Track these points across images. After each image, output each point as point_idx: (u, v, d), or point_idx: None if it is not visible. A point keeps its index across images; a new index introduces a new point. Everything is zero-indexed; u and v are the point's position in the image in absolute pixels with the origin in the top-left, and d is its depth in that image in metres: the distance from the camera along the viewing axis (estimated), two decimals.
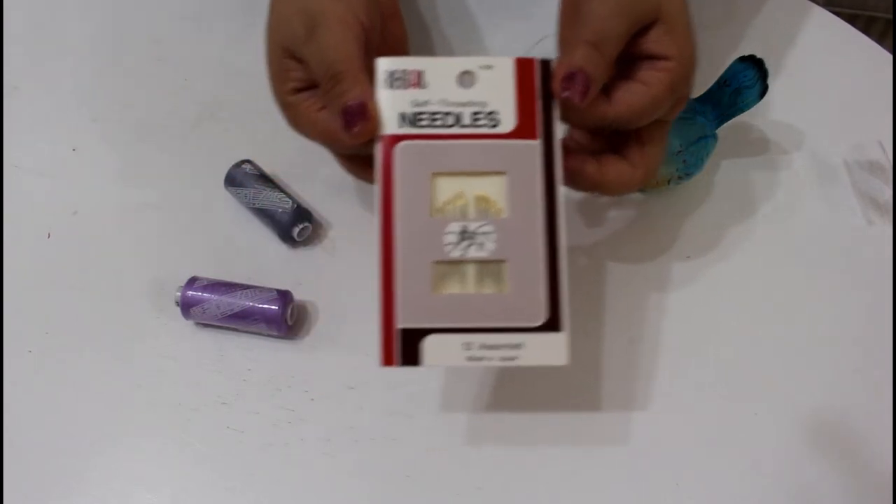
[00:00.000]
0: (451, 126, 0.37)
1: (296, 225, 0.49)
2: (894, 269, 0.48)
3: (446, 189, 0.37)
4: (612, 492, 0.42)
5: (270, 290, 0.46)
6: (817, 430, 0.44)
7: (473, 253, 0.37)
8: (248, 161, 0.52)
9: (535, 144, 0.37)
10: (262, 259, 0.50)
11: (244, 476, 0.43)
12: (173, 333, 0.47)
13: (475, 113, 0.37)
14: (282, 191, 0.50)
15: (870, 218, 0.50)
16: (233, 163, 0.51)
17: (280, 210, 0.49)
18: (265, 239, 0.51)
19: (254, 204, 0.50)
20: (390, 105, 0.37)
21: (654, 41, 0.39)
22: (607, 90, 0.39)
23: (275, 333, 0.46)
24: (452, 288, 0.37)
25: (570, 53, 0.37)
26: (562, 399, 0.45)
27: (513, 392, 0.45)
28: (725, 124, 0.51)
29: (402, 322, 0.36)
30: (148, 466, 0.43)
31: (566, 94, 0.37)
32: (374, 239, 0.37)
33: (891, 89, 0.55)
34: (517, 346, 0.36)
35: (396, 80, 0.38)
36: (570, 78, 0.37)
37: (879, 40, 0.59)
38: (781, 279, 0.48)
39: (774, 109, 0.55)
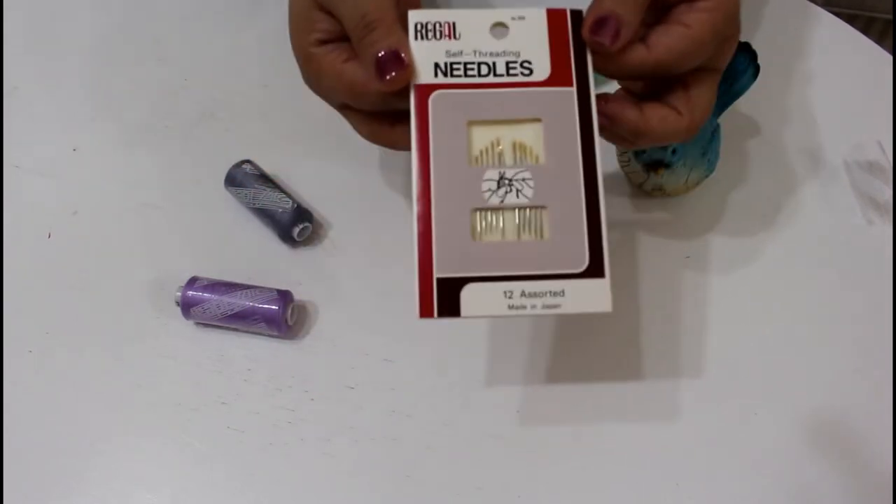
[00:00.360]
0: (485, 75, 0.37)
1: (296, 225, 0.49)
2: (894, 269, 0.48)
3: (482, 137, 0.37)
4: (612, 492, 0.42)
5: (270, 290, 0.46)
6: (817, 430, 0.44)
7: (512, 200, 0.36)
8: (248, 161, 0.52)
9: (571, 91, 0.37)
10: (262, 259, 0.50)
11: (244, 476, 0.43)
12: (173, 333, 0.47)
13: (509, 62, 0.37)
14: (282, 191, 0.50)
15: (869, 218, 0.50)
16: (233, 163, 0.51)
17: (280, 210, 0.49)
18: (265, 239, 0.51)
19: (254, 204, 0.50)
20: (424, 55, 0.37)
21: None
22: (644, 38, 0.37)
23: (275, 333, 0.46)
24: (492, 237, 0.36)
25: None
26: (560, 401, 0.45)
27: (512, 393, 0.45)
28: (724, 123, 0.51)
29: (439, 271, 0.35)
30: (148, 466, 0.43)
31: (596, 38, 0.36)
32: (412, 189, 0.36)
33: (890, 89, 0.55)
34: (559, 294, 0.36)
35: (429, 31, 0.37)
36: (599, 22, 0.36)
37: (879, 40, 0.59)
38: (781, 279, 0.48)
39: (774, 109, 0.55)
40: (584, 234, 0.36)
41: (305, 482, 0.43)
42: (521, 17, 0.37)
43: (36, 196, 0.53)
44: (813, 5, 0.60)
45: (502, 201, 0.36)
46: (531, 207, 0.36)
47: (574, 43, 0.37)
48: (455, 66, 0.37)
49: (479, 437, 0.44)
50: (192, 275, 0.47)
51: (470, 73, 0.37)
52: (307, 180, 0.53)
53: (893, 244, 0.49)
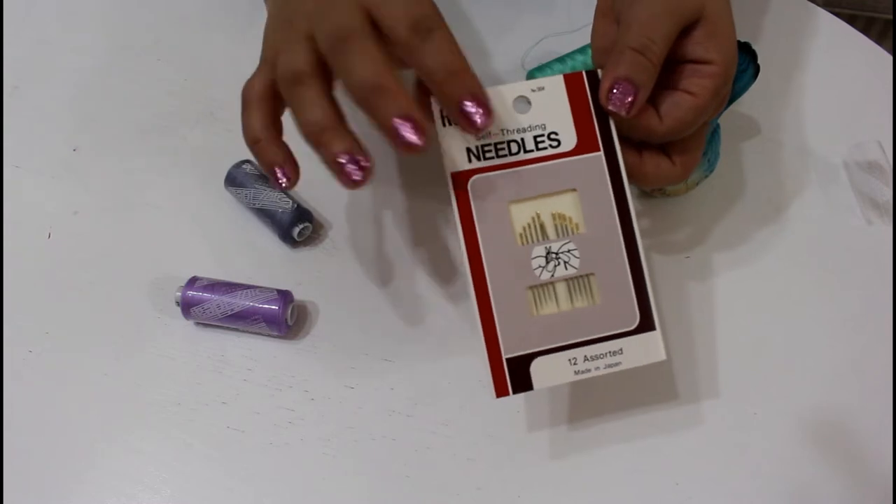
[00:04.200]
0: (516, 153, 0.38)
1: (296, 225, 0.49)
2: (894, 269, 0.48)
3: (523, 213, 0.38)
4: (612, 492, 0.42)
5: (270, 290, 0.46)
6: (817, 430, 0.44)
7: (561, 272, 0.38)
8: (248, 161, 0.52)
9: (599, 156, 0.38)
10: (262, 259, 0.50)
11: (244, 476, 0.43)
12: (173, 333, 0.47)
13: (537, 136, 0.38)
14: (282, 191, 0.50)
15: (869, 218, 0.50)
16: (233, 163, 0.51)
17: (280, 210, 0.49)
18: (265, 239, 0.51)
19: (254, 204, 0.50)
20: (455, 141, 0.38)
21: (696, 44, 0.38)
22: (654, 100, 0.38)
23: (275, 333, 0.46)
24: (548, 309, 0.38)
25: (616, 62, 0.37)
26: (560, 400, 0.45)
27: None
28: (724, 123, 0.51)
29: (508, 352, 0.38)
30: (148, 466, 0.43)
31: (612, 107, 0.37)
32: (466, 271, 0.38)
33: (890, 89, 0.56)
34: (618, 353, 0.38)
35: None
36: (615, 88, 0.37)
37: (879, 40, 0.59)
38: (781, 279, 0.49)
39: (774, 109, 0.55)
40: (632, 294, 0.38)
41: (305, 482, 0.43)
42: (541, 88, 0.38)
43: (36, 196, 0.53)
44: (813, 5, 0.60)
45: (553, 275, 0.38)
46: (580, 276, 0.38)
47: (594, 105, 0.38)
48: (486, 148, 0.38)
49: (479, 437, 0.44)
50: (192, 275, 0.47)
51: (501, 153, 0.38)
52: (307, 180, 0.52)
53: (893, 244, 0.49)
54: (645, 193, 0.51)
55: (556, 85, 0.38)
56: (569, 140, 0.38)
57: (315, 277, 0.49)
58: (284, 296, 0.46)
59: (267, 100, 0.39)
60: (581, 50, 0.56)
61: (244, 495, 0.42)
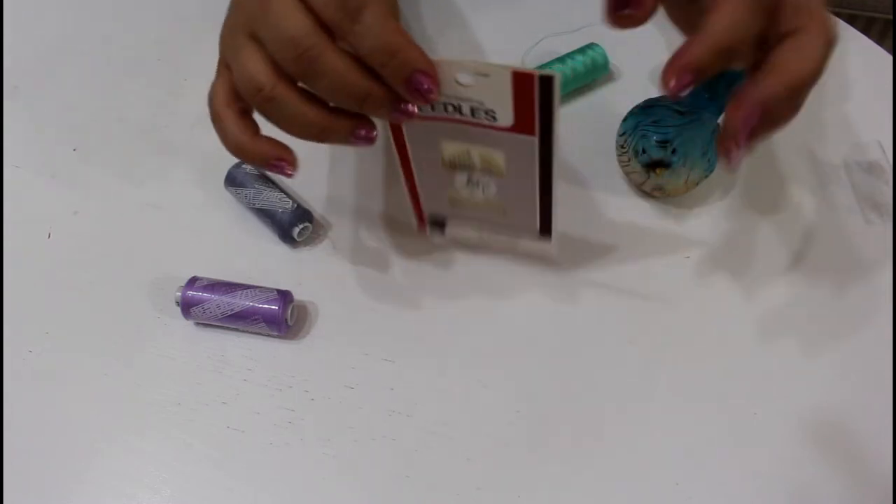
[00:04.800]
0: (451, 113, 0.38)
1: (296, 225, 0.49)
2: (894, 270, 0.48)
3: (454, 149, 0.41)
4: (612, 492, 0.42)
5: (270, 290, 0.46)
6: (817, 430, 0.44)
7: (479, 195, 0.44)
8: None
9: (533, 140, 0.39)
10: (262, 259, 0.50)
11: (244, 476, 0.43)
12: (173, 333, 0.47)
13: (474, 108, 0.38)
14: (282, 191, 0.50)
15: (869, 218, 0.50)
16: (233, 163, 0.51)
17: (280, 210, 0.49)
18: (265, 239, 0.51)
19: (254, 204, 0.50)
20: None
21: None
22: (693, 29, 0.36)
23: (275, 333, 0.46)
24: (465, 209, 0.45)
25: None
26: (561, 400, 0.45)
27: (512, 392, 0.45)
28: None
29: (428, 212, 0.47)
30: (148, 466, 0.43)
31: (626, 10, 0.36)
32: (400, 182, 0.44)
33: (891, 89, 0.56)
34: (516, 241, 0.48)
35: None
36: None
37: (879, 41, 0.59)
38: (780, 279, 0.49)
39: None
40: (536, 219, 0.44)
41: (305, 482, 0.43)
42: (486, 75, 0.36)
43: (36, 196, 0.53)
44: None
45: (471, 195, 0.44)
46: (495, 201, 0.44)
47: (540, 105, 0.36)
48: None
49: (479, 437, 0.44)
50: (192, 275, 0.47)
51: (437, 109, 0.38)
52: (307, 180, 0.53)
53: (893, 244, 0.49)
54: (645, 193, 0.51)
55: (501, 75, 0.36)
56: (505, 120, 0.38)
57: (315, 277, 0.49)
58: (284, 296, 0.46)
59: (233, 103, 0.39)
60: (581, 50, 0.56)
61: (244, 495, 0.42)
